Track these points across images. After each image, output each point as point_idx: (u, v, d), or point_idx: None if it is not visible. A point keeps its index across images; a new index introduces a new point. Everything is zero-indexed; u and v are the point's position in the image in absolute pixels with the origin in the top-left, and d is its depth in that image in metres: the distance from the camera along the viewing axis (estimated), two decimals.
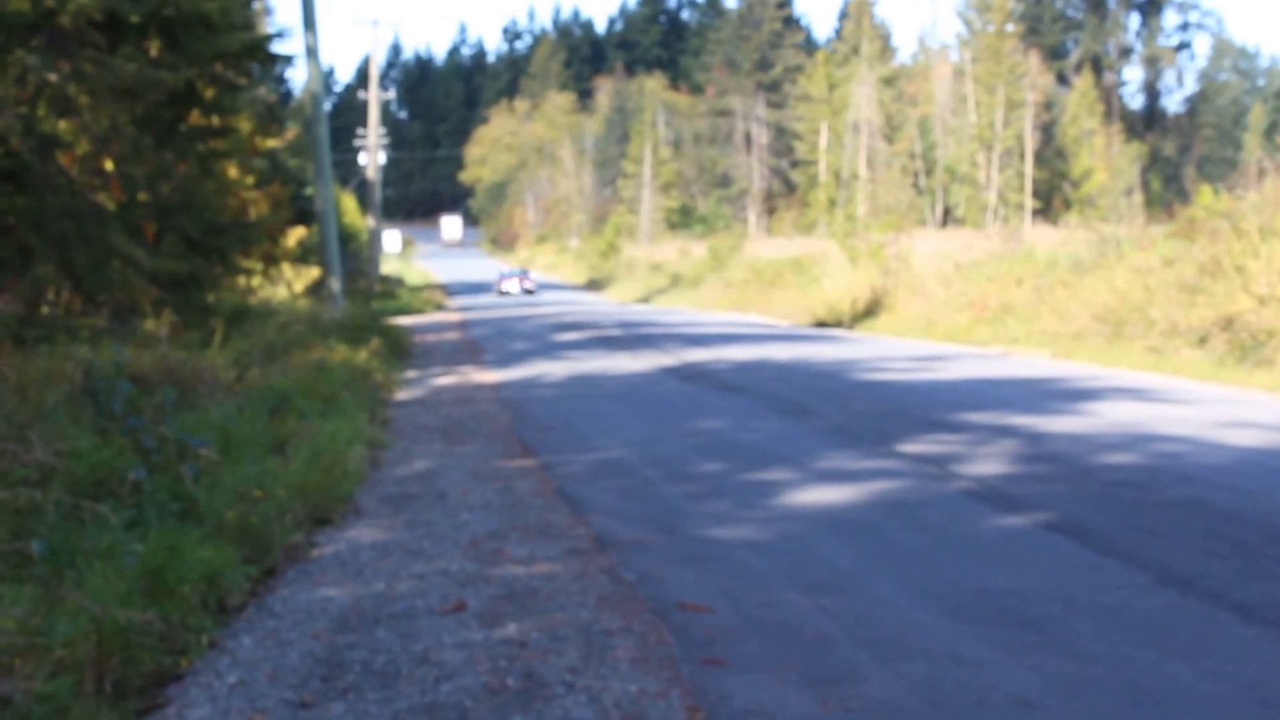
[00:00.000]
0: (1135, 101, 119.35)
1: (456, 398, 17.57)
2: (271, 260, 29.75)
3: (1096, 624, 6.15)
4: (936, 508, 8.96)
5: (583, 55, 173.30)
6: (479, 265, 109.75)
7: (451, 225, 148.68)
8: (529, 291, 71.47)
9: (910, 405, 14.74)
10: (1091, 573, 7.08)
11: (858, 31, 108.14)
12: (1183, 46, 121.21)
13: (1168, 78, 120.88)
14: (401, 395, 18.17)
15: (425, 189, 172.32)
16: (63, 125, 15.46)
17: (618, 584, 7.15)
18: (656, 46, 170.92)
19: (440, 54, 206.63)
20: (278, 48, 40.55)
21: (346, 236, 47.17)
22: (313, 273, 34.80)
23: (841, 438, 12.42)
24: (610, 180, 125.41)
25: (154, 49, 15.91)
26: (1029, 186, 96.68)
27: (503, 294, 70.39)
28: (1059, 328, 23.92)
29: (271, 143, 31.93)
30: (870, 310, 34.60)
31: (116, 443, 8.49)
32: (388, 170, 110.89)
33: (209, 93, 17.70)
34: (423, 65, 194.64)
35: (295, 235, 34.36)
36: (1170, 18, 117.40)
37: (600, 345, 26.83)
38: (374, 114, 56.26)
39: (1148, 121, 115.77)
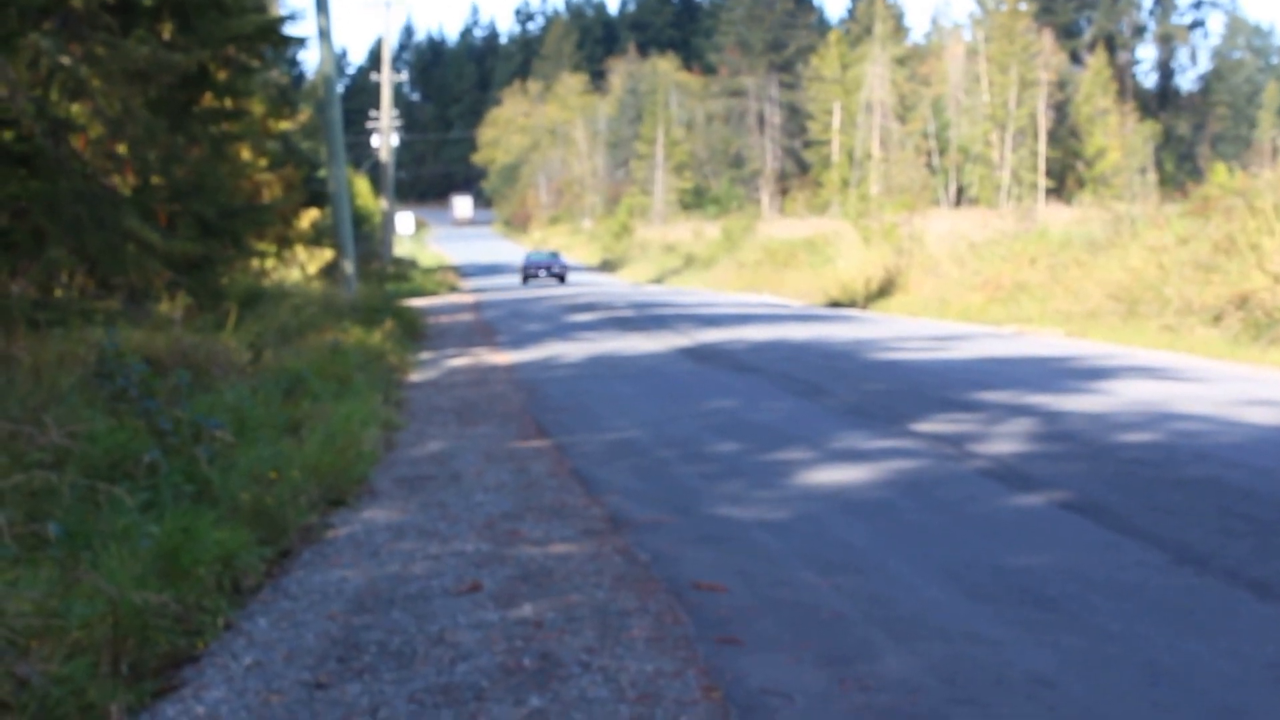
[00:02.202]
0: (1149, 80, 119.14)
1: (470, 379, 17.57)
2: (285, 242, 29.76)
3: (1114, 602, 6.13)
4: (952, 487, 8.94)
5: (595, 36, 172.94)
6: (493, 247, 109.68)
7: (462, 204, 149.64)
8: (560, 278, 61.03)
9: (925, 385, 14.71)
10: (1108, 551, 7.06)
11: (870, 11, 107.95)
12: (1196, 25, 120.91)
13: (1181, 56, 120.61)
14: (415, 377, 18.18)
15: (438, 171, 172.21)
16: (75, 108, 15.45)
17: (633, 564, 7.14)
18: (669, 27, 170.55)
19: (453, 36, 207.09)
20: (290, 30, 40.61)
21: (359, 219, 47.17)
22: (326, 255, 34.81)
23: (856, 417, 12.40)
24: (623, 161, 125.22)
25: (166, 32, 15.89)
26: (1042, 166, 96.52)
27: (530, 279, 60.83)
28: (1073, 307, 23.86)
29: (284, 125, 31.92)
30: (884, 290, 34.53)
31: (131, 425, 8.50)
32: (400, 152, 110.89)
33: (222, 75, 17.67)
34: (435, 47, 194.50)
35: (308, 217, 34.36)
36: None
37: (614, 326, 26.81)
38: (386, 96, 56.19)
39: (1161, 100, 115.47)
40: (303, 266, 33.65)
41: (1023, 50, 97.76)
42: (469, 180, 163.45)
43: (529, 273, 61.38)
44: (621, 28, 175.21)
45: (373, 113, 69.17)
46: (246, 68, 18.41)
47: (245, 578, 6.88)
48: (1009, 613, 6.06)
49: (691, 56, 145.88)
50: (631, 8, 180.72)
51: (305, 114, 41.32)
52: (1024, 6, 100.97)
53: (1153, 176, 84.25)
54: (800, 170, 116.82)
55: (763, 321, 27.05)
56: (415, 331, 25.99)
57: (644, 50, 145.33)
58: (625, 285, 58.17)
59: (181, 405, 9.17)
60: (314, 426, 10.75)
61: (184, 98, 16.79)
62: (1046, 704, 4.94)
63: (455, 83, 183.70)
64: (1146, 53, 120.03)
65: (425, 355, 21.63)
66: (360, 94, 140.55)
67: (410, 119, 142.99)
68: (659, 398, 14.65)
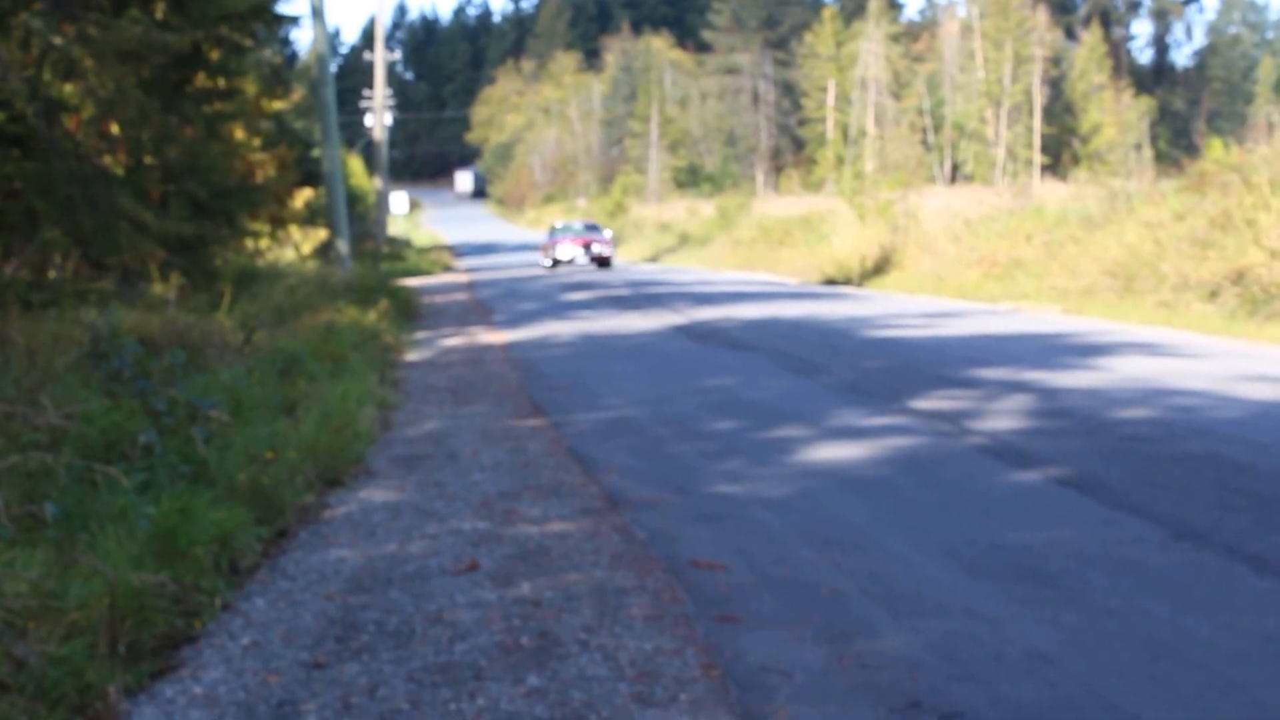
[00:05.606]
0: (1144, 56, 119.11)
1: (466, 358, 17.55)
2: (279, 222, 29.63)
3: (1112, 578, 6.13)
4: (950, 464, 8.94)
5: (589, 14, 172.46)
6: (487, 227, 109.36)
7: (464, 179, 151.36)
8: (603, 261, 44.65)
9: (921, 362, 14.70)
10: (1106, 527, 7.06)
11: None
12: (1191, 0, 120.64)
13: (1176, 31, 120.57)
14: (411, 356, 18.15)
15: (432, 150, 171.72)
16: (68, 89, 15.38)
17: (631, 542, 7.14)
18: (663, 5, 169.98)
19: (446, 14, 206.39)
20: (283, 9, 40.44)
21: (354, 198, 47.02)
22: (320, 234, 34.71)
23: (853, 395, 12.39)
24: (617, 140, 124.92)
25: (159, 11, 15.82)
26: (1037, 142, 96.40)
27: (557, 264, 44.32)
28: (1069, 283, 23.84)
29: (278, 105, 31.78)
30: (879, 267, 34.47)
31: (127, 406, 8.47)
32: (394, 131, 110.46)
33: (214, 55, 17.61)
34: (428, 26, 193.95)
35: (302, 197, 34.26)
36: None
37: (609, 304, 26.77)
38: (380, 75, 56.02)
39: (1156, 76, 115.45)
40: (297, 246, 33.54)
41: (1017, 26, 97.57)
42: (463, 159, 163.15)
43: (557, 255, 44.48)
44: (615, 6, 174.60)
45: (366, 92, 68.95)
46: (239, 47, 18.34)
47: (242, 558, 6.87)
48: (1008, 589, 6.05)
49: (685, 34, 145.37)
50: None
51: (299, 93, 41.19)
52: None
53: (1148, 152, 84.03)
54: (795, 148, 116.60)
55: (759, 299, 27.01)
56: (410, 311, 25.94)
57: (638, 28, 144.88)
58: (620, 263, 58.10)
59: (177, 386, 9.16)
60: (310, 406, 10.73)
61: (177, 78, 16.74)
62: (1046, 680, 4.93)
63: (449, 62, 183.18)
64: (1142, 28, 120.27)
65: (421, 334, 21.61)
66: (354, 73, 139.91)
67: (404, 98, 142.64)
68: (656, 376, 14.63)
